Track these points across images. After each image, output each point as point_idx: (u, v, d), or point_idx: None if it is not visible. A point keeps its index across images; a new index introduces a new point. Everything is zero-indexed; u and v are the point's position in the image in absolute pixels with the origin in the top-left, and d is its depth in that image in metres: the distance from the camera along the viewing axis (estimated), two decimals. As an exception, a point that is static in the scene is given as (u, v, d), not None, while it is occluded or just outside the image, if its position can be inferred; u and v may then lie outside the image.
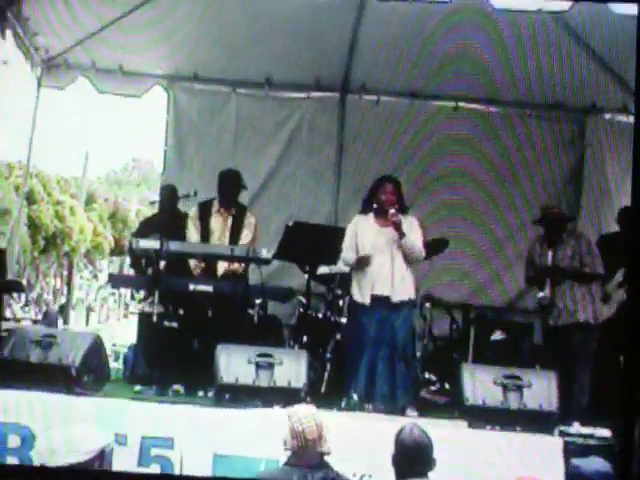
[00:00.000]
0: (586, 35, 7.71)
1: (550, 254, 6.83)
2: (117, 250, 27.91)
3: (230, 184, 7.29)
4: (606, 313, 7.03)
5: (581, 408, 6.50)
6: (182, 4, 7.80)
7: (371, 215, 6.71)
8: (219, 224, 7.26)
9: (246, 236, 7.22)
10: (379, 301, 6.55)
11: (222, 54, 8.47)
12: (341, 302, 7.38)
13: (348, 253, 6.70)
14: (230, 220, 7.27)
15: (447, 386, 7.31)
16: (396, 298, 6.54)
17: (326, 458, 4.47)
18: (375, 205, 6.66)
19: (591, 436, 5.90)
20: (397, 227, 6.53)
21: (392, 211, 6.52)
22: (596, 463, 4.24)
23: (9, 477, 4.64)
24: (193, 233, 7.24)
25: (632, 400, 4.23)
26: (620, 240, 7.28)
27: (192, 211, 7.33)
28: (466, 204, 8.80)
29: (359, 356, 6.54)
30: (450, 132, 8.84)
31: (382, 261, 6.57)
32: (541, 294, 6.82)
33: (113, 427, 5.40)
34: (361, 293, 6.63)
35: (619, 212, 7.59)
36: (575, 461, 4.34)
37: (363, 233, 6.67)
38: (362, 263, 6.62)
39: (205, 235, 7.22)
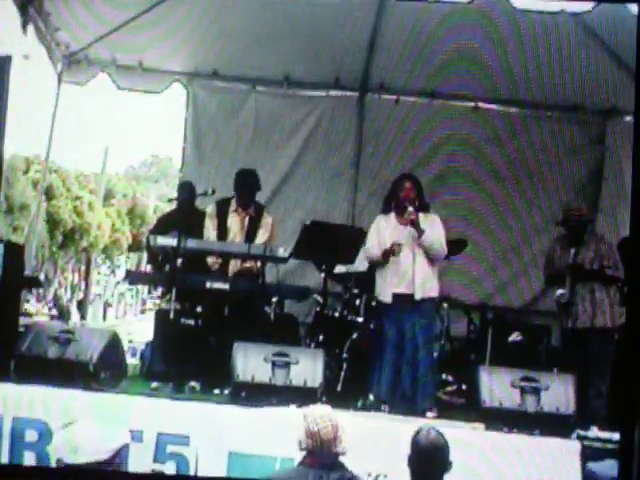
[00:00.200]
0: (606, 36, 7.67)
1: (571, 253, 6.80)
2: (135, 246, 28.04)
3: (248, 184, 7.30)
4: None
5: (598, 412, 6.48)
6: (202, 1, 7.80)
7: (392, 214, 6.70)
8: (236, 223, 7.27)
9: (262, 235, 7.22)
10: (401, 299, 6.54)
11: (241, 52, 8.47)
12: (357, 301, 7.38)
13: (373, 248, 6.68)
14: (247, 219, 7.27)
15: (464, 387, 7.30)
16: (418, 296, 6.53)
17: (341, 458, 4.46)
18: (394, 203, 6.65)
19: (609, 440, 5.87)
20: (415, 224, 6.51)
21: (410, 209, 6.51)
22: (612, 467, 4.20)
23: (22, 477, 4.65)
24: (210, 231, 7.25)
25: (633, 400, 4.19)
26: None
27: (209, 209, 7.34)
28: (484, 204, 8.77)
29: (381, 356, 6.53)
30: (470, 132, 8.84)
31: (403, 259, 6.55)
32: (560, 291, 6.78)
33: (129, 424, 5.41)
34: (383, 291, 6.62)
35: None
36: (591, 465, 4.29)
37: (384, 232, 6.66)
38: (389, 255, 6.57)
39: (222, 233, 7.23)
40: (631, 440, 4.11)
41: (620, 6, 6.58)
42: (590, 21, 7.50)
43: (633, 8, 6.03)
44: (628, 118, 8.68)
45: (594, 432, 6.00)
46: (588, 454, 5.42)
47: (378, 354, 6.58)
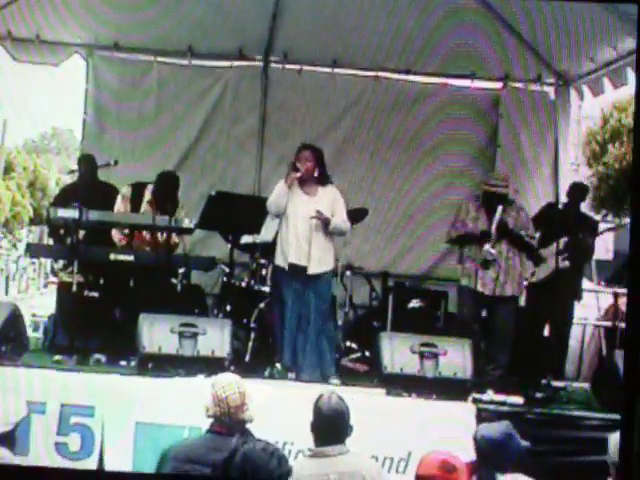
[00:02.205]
0: (500, 6, 7.84)
1: (497, 215, 6.79)
2: (36, 219, 27.41)
3: (169, 188, 7.27)
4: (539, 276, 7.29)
5: (495, 376, 6.69)
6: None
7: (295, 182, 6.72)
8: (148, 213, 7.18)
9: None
10: (296, 270, 6.61)
11: (143, 22, 8.30)
12: (264, 271, 7.43)
13: (272, 200, 6.70)
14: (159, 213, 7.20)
15: (367, 354, 7.43)
16: (312, 270, 6.61)
17: (248, 425, 4.54)
18: (294, 173, 6.67)
19: (504, 403, 6.09)
20: (319, 217, 6.58)
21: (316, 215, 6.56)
22: (501, 425, 4.37)
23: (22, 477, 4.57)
24: (120, 211, 7.18)
25: (633, 378, 4.35)
26: (567, 212, 7.57)
27: (124, 190, 7.27)
28: (386, 173, 8.88)
29: (281, 325, 6.62)
30: (370, 102, 8.92)
31: (301, 230, 6.62)
32: (488, 247, 6.77)
33: (31, 396, 5.37)
34: (280, 258, 6.69)
35: (570, 186, 7.82)
36: (482, 425, 4.48)
37: (283, 196, 6.67)
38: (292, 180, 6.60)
39: None
40: (631, 418, 4.25)
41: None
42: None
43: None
44: (520, 84, 8.93)
45: (489, 395, 6.22)
46: (483, 417, 5.61)
47: (278, 321, 6.66)
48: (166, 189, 7.26)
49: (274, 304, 6.87)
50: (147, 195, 7.26)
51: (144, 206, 7.23)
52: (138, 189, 7.26)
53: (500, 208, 6.81)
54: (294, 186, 6.69)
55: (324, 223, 6.60)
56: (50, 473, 3.55)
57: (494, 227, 6.79)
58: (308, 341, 6.54)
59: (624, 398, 4.29)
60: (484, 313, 6.80)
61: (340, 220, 6.69)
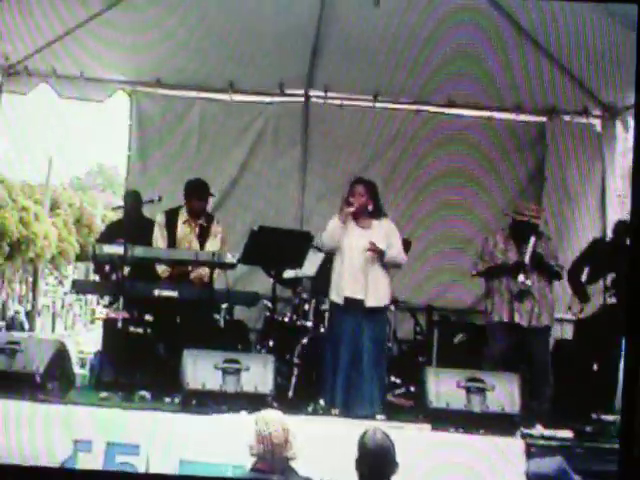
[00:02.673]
0: (544, 39, 7.80)
1: (530, 246, 6.75)
2: (83, 256, 27.72)
3: (198, 194, 7.28)
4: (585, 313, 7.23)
5: (543, 410, 6.58)
6: (143, 10, 7.77)
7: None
8: (186, 234, 7.24)
9: (212, 243, 7.22)
10: (352, 304, 6.56)
11: (185, 59, 8.44)
12: (307, 306, 7.40)
13: (327, 234, 6.67)
14: (197, 230, 7.25)
15: (412, 389, 7.35)
16: (370, 303, 6.56)
17: (291, 463, 4.49)
18: (348, 207, 6.63)
19: (553, 437, 5.98)
20: (374, 250, 6.55)
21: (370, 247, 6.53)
22: (554, 461, 4.27)
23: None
24: (160, 241, 7.21)
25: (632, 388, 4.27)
26: (613, 248, 7.45)
27: (159, 219, 7.31)
28: (431, 205, 8.84)
29: (333, 362, 6.56)
30: (412, 135, 8.91)
31: (357, 263, 6.59)
32: (523, 279, 6.72)
33: (77, 434, 5.37)
34: (336, 293, 6.64)
35: (616, 224, 7.71)
36: (534, 461, 4.37)
37: (343, 229, 6.64)
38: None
39: (172, 244, 7.20)
40: (630, 428, 4.18)
41: (555, 6, 6.74)
42: (526, 22, 7.62)
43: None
44: (567, 117, 8.87)
45: (538, 430, 6.11)
46: (532, 452, 5.52)
47: (329, 357, 6.60)
48: (195, 195, 7.25)
49: (327, 340, 6.81)
50: (182, 216, 7.27)
51: (180, 227, 7.24)
52: (172, 214, 7.29)
53: (533, 239, 6.76)
54: (348, 221, 6.67)
55: (379, 255, 6.55)
56: (50, 473, 3.54)
57: (527, 258, 6.72)
58: (363, 377, 6.47)
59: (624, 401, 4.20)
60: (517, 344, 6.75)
61: (396, 252, 6.66)
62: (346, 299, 6.58)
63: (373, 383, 6.53)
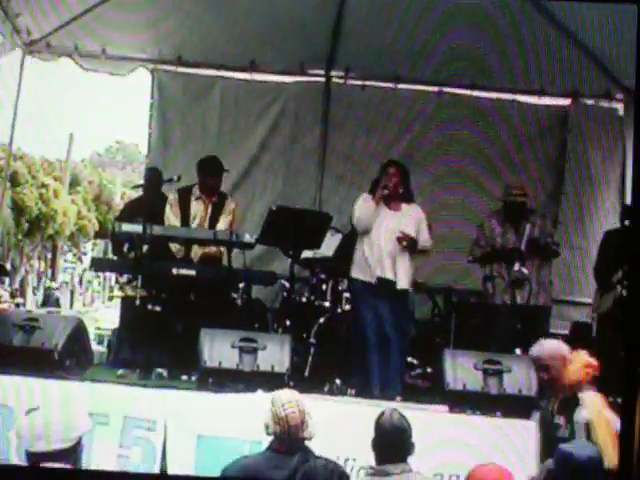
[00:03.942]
0: (568, 21, 7.74)
1: (527, 229, 6.84)
2: (101, 233, 27.86)
3: (212, 172, 7.27)
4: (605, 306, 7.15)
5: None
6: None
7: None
8: (199, 211, 7.24)
9: (223, 220, 7.20)
10: (385, 284, 6.57)
11: (206, 38, 8.44)
12: (324, 286, 7.40)
13: (361, 213, 6.65)
14: (211, 207, 7.25)
15: (429, 370, 7.36)
16: (401, 285, 6.58)
17: (308, 443, 4.50)
18: (383, 191, 6.64)
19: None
20: (405, 244, 6.55)
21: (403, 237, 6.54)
22: (588, 449, 4.15)
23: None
24: (172, 219, 7.20)
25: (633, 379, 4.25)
26: (622, 237, 7.38)
27: (171, 197, 7.29)
28: (450, 188, 8.80)
29: (360, 340, 6.57)
30: (434, 117, 8.88)
31: (385, 246, 6.59)
32: (518, 267, 6.77)
33: (95, 410, 5.40)
34: (365, 272, 6.63)
35: (622, 209, 7.68)
36: (566, 447, 4.23)
37: (369, 210, 6.63)
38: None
39: (185, 221, 7.19)
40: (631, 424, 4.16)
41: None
42: (550, 5, 7.57)
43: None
44: (590, 101, 8.80)
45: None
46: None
47: (358, 336, 6.60)
48: (209, 172, 7.23)
49: (353, 319, 6.81)
50: (195, 193, 7.27)
51: (193, 204, 7.24)
52: (184, 192, 7.28)
53: (529, 226, 6.79)
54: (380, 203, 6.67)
55: (412, 245, 6.57)
56: (51, 473, 3.56)
57: (524, 245, 6.72)
58: (390, 358, 6.49)
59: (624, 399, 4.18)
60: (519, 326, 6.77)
61: (425, 239, 6.70)
62: (379, 279, 6.58)
63: (399, 364, 6.57)
